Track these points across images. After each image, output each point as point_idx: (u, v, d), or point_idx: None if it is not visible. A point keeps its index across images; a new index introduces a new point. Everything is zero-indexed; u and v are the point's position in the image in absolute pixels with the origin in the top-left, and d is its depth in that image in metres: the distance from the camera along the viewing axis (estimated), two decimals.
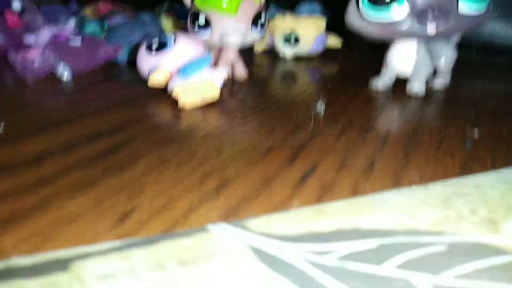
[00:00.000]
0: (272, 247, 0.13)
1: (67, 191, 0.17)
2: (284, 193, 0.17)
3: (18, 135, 0.23)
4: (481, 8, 0.29)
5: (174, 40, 0.29)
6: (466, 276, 0.12)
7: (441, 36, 0.30)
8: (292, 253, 0.13)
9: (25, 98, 0.29)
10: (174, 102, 0.28)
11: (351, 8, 0.31)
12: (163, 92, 0.28)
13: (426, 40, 0.31)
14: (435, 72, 0.33)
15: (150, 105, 0.28)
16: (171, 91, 0.27)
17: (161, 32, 0.36)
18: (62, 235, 0.14)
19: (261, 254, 0.13)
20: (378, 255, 0.13)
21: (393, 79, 0.33)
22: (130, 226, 0.15)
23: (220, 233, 0.14)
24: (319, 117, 0.26)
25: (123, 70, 0.36)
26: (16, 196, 0.17)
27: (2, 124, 0.23)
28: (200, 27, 0.31)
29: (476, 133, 0.24)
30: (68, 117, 0.26)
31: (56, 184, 0.18)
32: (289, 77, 0.38)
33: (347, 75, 0.38)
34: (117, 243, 0.13)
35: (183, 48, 0.29)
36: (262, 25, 0.32)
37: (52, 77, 0.33)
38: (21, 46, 0.37)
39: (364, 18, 0.30)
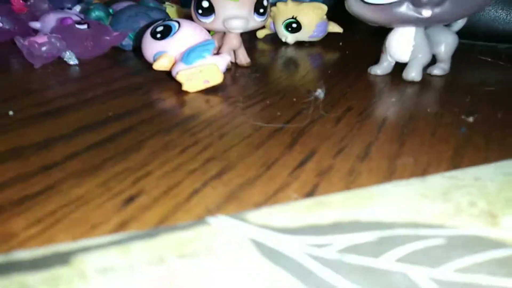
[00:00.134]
0: (272, 240, 0.13)
1: (74, 175, 0.17)
2: (283, 179, 0.17)
3: (26, 120, 0.22)
4: None
5: (179, 26, 0.28)
6: (465, 269, 0.12)
7: (439, 21, 0.29)
8: (291, 246, 0.12)
9: (32, 83, 0.28)
10: (178, 87, 0.27)
11: None
12: (168, 77, 0.28)
13: (425, 26, 0.30)
14: (434, 58, 0.32)
15: (155, 90, 0.28)
16: (175, 76, 0.26)
17: (165, 18, 0.35)
18: (70, 219, 0.14)
19: (261, 247, 0.12)
20: (377, 248, 0.12)
21: (392, 65, 0.32)
22: (134, 209, 0.15)
23: (220, 225, 0.14)
24: (318, 102, 0.26)
25: (128, 56, 0.35)
26: (25, 180, 0.16)
27: (11, 113, 0.23)
28: (203, 12, 0.30)
29: (471, 119, 0.24)
30: (75, 102, 0.25)
31: (64, 169, 0.17)
32: (291, 63, 0.37)
33: (348, 61, 0.37)
34: (117, 236, 0.13)
35: (188, 33, 0.28)
36: (264, 11, 0.31)
37: (58, 62, 0.32)
38: (28, 31, 0.36)
39: (361, 2, 0.29)
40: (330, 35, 0.44)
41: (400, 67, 0.32)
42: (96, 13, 0.37)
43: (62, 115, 0.23)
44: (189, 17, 0.31)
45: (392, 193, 0.16)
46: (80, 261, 0.12)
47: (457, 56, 0.33)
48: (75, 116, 0.23)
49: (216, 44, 0.33)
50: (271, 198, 0.16)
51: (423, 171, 0.18)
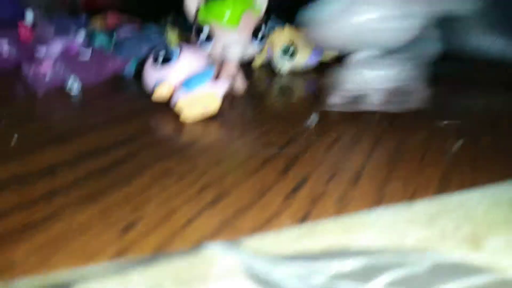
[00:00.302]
0: (265, 267, 0.13)
1: (76, 202, 0.17)
2: (276, 205, 0.17)
3: (30, 147, 0.22)
4: None
5: (179, 54, 0.29)
6: None
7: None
8: (284, 273, 0.13)
9: (36, 110, 0.29)
10: (177, 115, 0.27)
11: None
12: (167, 105, 0.28)
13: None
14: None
15: (155, 118, 0.28)
16: (175, 104, 0.27)
17: (167, 45, 0.36)
18: (71, 246, 0.14)
19: (254, 275, 0.13)
20: (366, 274, 0.13)
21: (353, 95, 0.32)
22: (133, 236, 0.15)
23: (215, 252, 0.14)
24: (312, 129, 0.26)
25: (130, 83, 0.36)
26: (28, 207, 0.17)
27: (16, 136, 0.23)
28: (203, 39, 0.31)
29: (459, 145, 0.24)
30: (78, 129, 0.25)
31: (67, 196, 0.18)
32: (286, 89, 0.38)
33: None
34: (116, 263, 0.13)
35: (188, 61, 0.29)
36: (262, 37, 0.32)
37: (62, 89, 0.32)
38: (33, 58, 0.37)
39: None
40: (323, 63, 0.45)
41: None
42: (100, 40, 0.38)
43: (65, 142, 0.23)
44: (190, 42, 0.32)
45: (381, 219, 0.16)
46: None
47: (444, 82, 0.34)
48: (77, 143, 0.23)
49: (215, 71, 0.33)
50: (265, 225, 0.16)
51: (411, 196, 0.18)
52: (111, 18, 0.46)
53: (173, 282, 0.12)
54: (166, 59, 0.29)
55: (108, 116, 0.28)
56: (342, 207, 0.17)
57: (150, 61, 0.29)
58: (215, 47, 0.31)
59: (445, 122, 0.28)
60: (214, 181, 0.19)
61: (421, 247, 0.14)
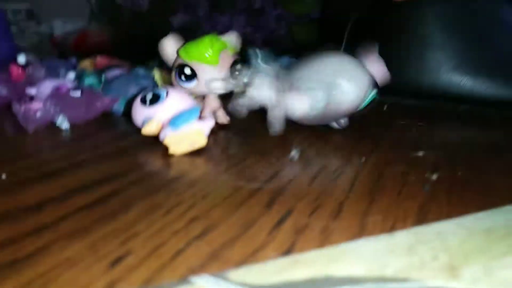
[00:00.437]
0: None
1: (65, 237, 0.17)
2: (262, 238, 0.17)
3: (18, 183, 0.22)
4: None
5: (166, 94, 0.29)
6: None
7: None
8: None
9: (25, 146, 0.29)
10: (164, 150, 0.28)
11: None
12: (154, 140, 0.29)
13: None
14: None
15: (142, 153, 0.28)
16: (163, 140, 0.27)
17: (154, 86, 0.36)
18: (60, 281, 0.14)
19: None
20: None
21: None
22: (121, 270, 0.15)
23: (203, 285, 0.14)
24: (294, 162, 0.27)
25: (118, 121, 0.36)
26: (16, 242, 0.16)
27: (4, 175, 0.23)
28: (187, 78, 0.32)
29: (434, 177, 0.25)
30: (67, 165, 0.25)
31: (55, 231, 0.17)
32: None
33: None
34: None
35: (175, 101, 0.29)
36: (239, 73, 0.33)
37: (51, 126, 0.33)
38: (24, 97, 0.37)
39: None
40: None
41: (365, 125, 0.33)
42: (89, 80, 0.38)
43: (54, 178, 0.23)
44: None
45: (362, 249, 0.16)
46: None
47: (420, 116, 0.35)
48: (67, 179, 0.23)
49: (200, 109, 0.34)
50: (251, 257, 0.16)
51: (390, 228, 0.19)
52: (100, 60, 0.47)
53: None
54: (154, 99, 0.29)
55: (96, 153, 0.28)
56: (325, 238, 0.18)
57: (138, 100, 0.30)
58: (199, 85, 0.32)
59: (421, 153, 0.29)
60: (201, 214, 0.19)
61: (401, 276, 0.14)
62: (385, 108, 0.33)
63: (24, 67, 0.41)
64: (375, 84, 0.32)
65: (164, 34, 0.33)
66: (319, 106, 0.31)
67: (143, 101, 0.29)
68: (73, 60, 0.48)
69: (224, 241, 0.17)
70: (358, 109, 0.32)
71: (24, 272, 0.15)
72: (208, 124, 0.29)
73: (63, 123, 0.32)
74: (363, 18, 0.50)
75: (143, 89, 0.32)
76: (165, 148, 0.28)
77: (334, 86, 0.30)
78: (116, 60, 0.47)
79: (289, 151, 0.28)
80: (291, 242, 0.17)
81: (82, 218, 0.19)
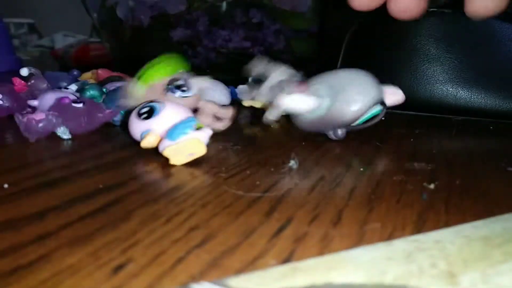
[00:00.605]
0: None
1: (67, 245, 0.17)
2: (261, 246, 0.17)
3: (21, 192, 0.22)
4: None
5: (162, 106, 0.29)
6: None
7: None
8: None
9: (27, 156, 0.29)
10: (164, 160, 0.28)
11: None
12: (153, 151, 0.29)
13: None
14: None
15: (142, 163, 0.28)
16: (162, 152, 0.27)
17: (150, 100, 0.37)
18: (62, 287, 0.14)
19: None
20: None
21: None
22: (123, 278, 0.15)
23: None
24: (293, 172, 0.27)
25: (118, 131, 0.37)
26: (18, 250, 0.16)
27: (6, 184, 0.23)
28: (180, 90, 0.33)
29: (433, 186, 0.25)
30: (68, 175, 0.25)
31: (57, 239, 0.18)
32: (269, 134, 0.39)
33: (320, 133, 0.39)
34: None
35: (170, 112, 0.29)
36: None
37: (52, 136, 0.33)
38: (25, 107, 0.37)
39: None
40: None
41: (365, 135, 0.33)
42: (91, 92, 0.39)
43: (55, 187, 0.23)
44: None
45: (361, 257, 0.16)
46: None
47: (418, 127, 0.35)
48: (68, 188, 0.23)
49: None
50: (251, 265, 0.16)
51: (389, 236, 0.19)
52: (102, 72, 0.47)
53: None
54: (151, 112, 0.29)
55: (97, 162, 0.28)
56: (324, 246, 0.18)
57: (134, 114, 0.30)
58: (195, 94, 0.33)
59: (419, 162, 0.29)
60: (201, 223, 0.19)
61: (400, 283, 0.14)
62: (382, 117, 0.33)
63: (26, 79, 0.41)
64: (382, 102, 0.32)
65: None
66: (323, 105, 0.31)
67: (139, 114, 0.29)
68: (76, 72, 0.48)
69: (224, 249, 0.17)
70: (359, 121, 0.32)
71: (27, 280, 0.15)
72: (206, 133, 0.29)
73: (65, 133, 0.32)
74: (360, 31, 0.51)
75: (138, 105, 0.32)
76: (165, 158, 0.28)
77: (341, 91, 0.31)
78: (117, 73, 0.47)
79: (288, 161, 0.28)
80: (291, 250, 0.17)
81: (83, 227, 0.19)
